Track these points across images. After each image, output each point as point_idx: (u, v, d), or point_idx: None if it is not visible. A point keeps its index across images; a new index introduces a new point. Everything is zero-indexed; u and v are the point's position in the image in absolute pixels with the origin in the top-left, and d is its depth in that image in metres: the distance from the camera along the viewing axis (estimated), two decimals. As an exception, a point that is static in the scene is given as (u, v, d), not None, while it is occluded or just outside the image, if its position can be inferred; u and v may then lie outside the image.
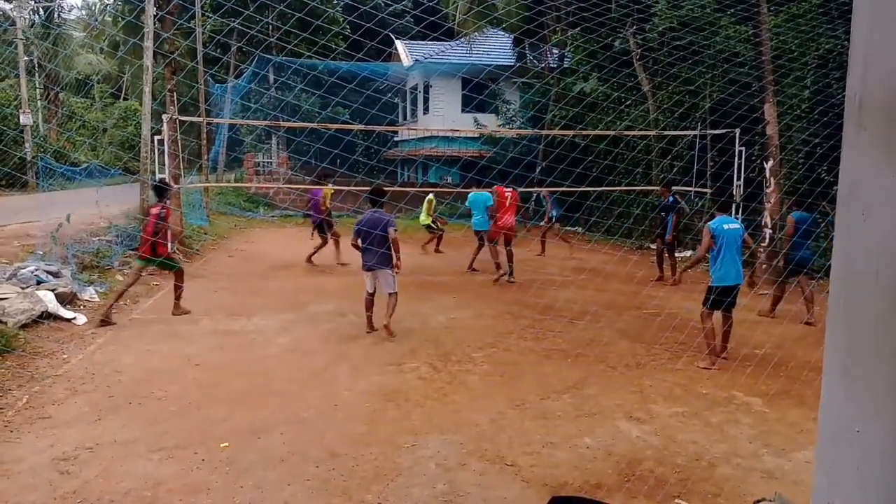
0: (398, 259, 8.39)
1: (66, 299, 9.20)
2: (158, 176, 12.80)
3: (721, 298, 7.44)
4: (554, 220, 15.88)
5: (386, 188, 9.20)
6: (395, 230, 8.29)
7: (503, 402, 6.24)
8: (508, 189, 12.38)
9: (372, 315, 8.59)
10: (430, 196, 16.36)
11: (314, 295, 10.82)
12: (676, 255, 13.15)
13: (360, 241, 8.35)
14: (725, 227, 7.49)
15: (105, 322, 8.66)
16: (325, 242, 13.58)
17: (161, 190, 9.49)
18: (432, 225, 16.18)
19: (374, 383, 6.70)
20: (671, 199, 12.62)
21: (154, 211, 9.19)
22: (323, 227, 13.59)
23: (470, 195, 12.93)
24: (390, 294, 8.44)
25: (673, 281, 12.16)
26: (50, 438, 5.20)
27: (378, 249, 8.18)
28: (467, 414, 5.95)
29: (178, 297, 9.37)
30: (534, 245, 15.62)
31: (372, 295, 8.57)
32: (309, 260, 13.64)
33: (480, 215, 12.55)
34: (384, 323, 8.36)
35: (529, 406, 6.18)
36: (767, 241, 13.19)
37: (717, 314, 7.62)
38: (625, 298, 11.06)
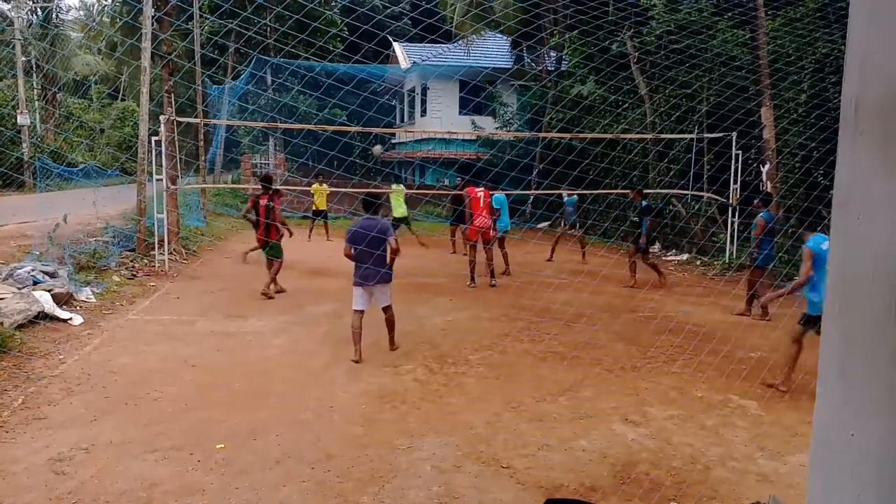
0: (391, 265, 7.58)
1: (63, 300, 9.18)
2: (157, 178, 12.79)
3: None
4: (573, 224, 15.54)
5: (380, 192, 8.99)
6: (396, 239, 7.47)
7: (499, 405, 6.24)
8: (480, 189, 12.22)
9: (361, 337, 7.47)
10: (400, 186, 16.35)
11: (311, 296, 10.81)
12: (652, 251, 13.28)
13: (353, 251, 7.37)
14: (824, 246, 6.55)
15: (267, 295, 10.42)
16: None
17: (266, 182, 10.78)
18: (407, 221, 16.17)
19: (371, 385, 6.69)
20: (644, 203, 12.44)
21: (262, 202, 10.52)
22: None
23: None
24: (386, 309, 7.67)
25: (662, 283, 12.22)
26: (46, 439, 5.18)
27: (376, 262, 7.29)
28: (463, 416, 5.95)
29: (272, 280, 10.77)
30: (531, 247, 15.61)
31: (362, 314, 7.51)
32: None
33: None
34: (391, 346, 7.78)
35: (525, 408, 6.18)
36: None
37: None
38: (621, 301, 11.07)
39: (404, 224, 16.36)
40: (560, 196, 16.01)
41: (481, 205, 11.87)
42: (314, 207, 18.08)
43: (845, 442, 1.15)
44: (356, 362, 7.37)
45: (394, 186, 16.66)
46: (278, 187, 11.15)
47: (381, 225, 7.38)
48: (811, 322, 6.63)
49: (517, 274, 12.60)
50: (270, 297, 10.54)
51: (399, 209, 16.34)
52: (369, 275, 7.33)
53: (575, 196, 15.21)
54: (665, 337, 8.44)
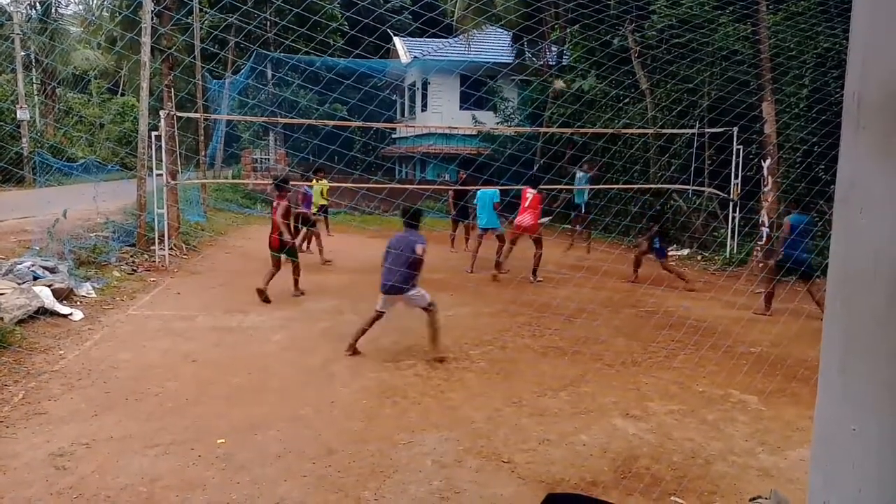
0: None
1: (63, 295, 9.18)
2: (157, 173, 12.77)
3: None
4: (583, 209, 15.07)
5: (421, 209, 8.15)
6: (424, 247, 7.40)
7: (500, 400, 6.24)
8: (531, 190, 12.37)
9: (364, 332, 7.58)
10: (325, 182, 15.83)
11: (312, 292, 10.81)
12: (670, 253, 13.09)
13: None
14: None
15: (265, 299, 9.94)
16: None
17: (280, 185, 10.47)
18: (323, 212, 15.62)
19: (371, 380, 6.70)
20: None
21: (276, 205, 10.28)
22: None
23: (478, 192, 12.96)
24: (425, 309, 7.49)
25: (689, 285, 11.88)
26: (46, 434, 5.19)
27: (400, 272, 7.30)
28: (464, 411, 5.95)
29: (296, 279, 10.68)
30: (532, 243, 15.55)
31: (381, 316, 7.61)
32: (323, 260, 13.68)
33: (488, 213, 12.60)
34: (436, 356, 7.41)
35: (526, 403, 6.18)
36: (765, 239, 13.22)
37: None
38: (621, 296, 11.07)
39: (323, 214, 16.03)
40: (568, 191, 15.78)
41: (526, 205, 11.99)
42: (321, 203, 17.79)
43: (846, 437, 1.14)
44: (347, 354, 7.44)
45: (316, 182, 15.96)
46: (286, 185, 10.61)
47: (409, 241, 7.43)
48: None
49: (518, 270, 12.58)
50: (301, 294, 10.65)
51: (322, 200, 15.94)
52: (385, 284, 7.43)
53: (589, 173, 14.89)
54: (666, 332, 8.44)
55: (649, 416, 5.97)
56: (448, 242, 16.26)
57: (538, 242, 12.11)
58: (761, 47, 12.96)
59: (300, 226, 13.41)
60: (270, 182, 11.62)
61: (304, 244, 13.99)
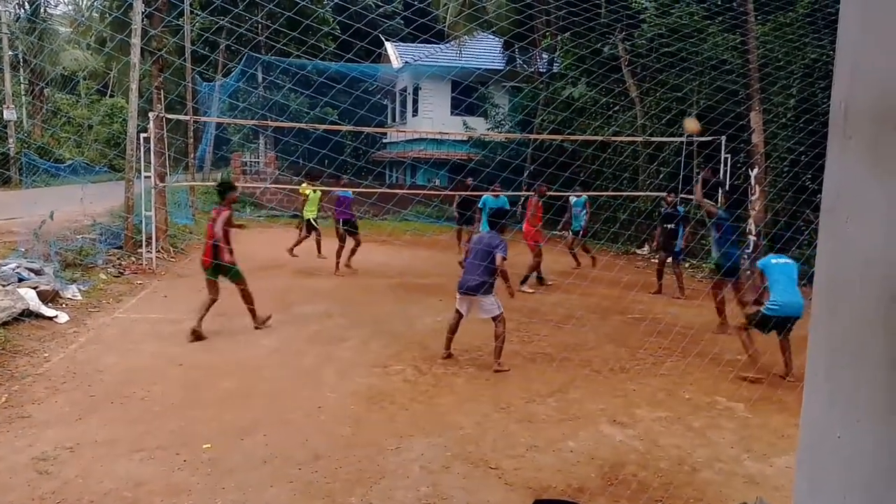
0: (509, 286, 7.70)
1: (48, 297, 9.12)
2: (144, 175, 12.70)
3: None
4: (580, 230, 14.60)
5: (505, 211, 8.33)
6: (504, 257, 7.37)
7: (488, 406, 6.24)
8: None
9: (453, 338, 7.65)
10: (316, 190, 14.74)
11: (301, 296, 10.78)
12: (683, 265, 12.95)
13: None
14: (773, 261, 7.75)
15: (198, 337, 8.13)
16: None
17: (224, 190, 8.96)
18: (314, 222, 14.66)
19: (360, 385, 6.68)
20: (681, 209, 12.05)
21: (215, 216, 8.61)
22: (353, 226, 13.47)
23: (484, 199, 12.84)
24: (494, 319, 7.45)
25: (682, 296, 11.82)
26: (29, 438, 5.14)
27: (479, 273, 7.31)
28: (452, 417, 5.94)
29: (251, 309, 8.70)
30: (521, 248, 15.53)
31: (461, 317, 7.59)
32: (347, 265, 13.38)
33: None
34: (495, 366, 7.36)
35: (514, 409, 6.18)
36: (751, 248, 13.28)
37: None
38: (610, 303, 11.09)
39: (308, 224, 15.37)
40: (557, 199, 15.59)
41: (530, 213, 12.04)
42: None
43: (832, 444, 1.15)
44: (444, 358, 7.58)
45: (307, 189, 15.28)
46: (232, 190, 9.08)
47: (490, 240, 7.49)
48: (762, 322, 7.48)
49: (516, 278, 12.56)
50: (263, 326, 8.84)
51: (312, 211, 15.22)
52: (462, 282, 7.51)
53: (584, 196, 14.62)
54: (654, 339, 8.46)
55: (636, 422, 5.98)
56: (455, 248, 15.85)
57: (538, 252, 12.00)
58: (750, 57, 13.06)
59: (343, 229, 13.18)
60: (260, 186, 10.95)
61: (337, 254, 13.35)
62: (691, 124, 12.96)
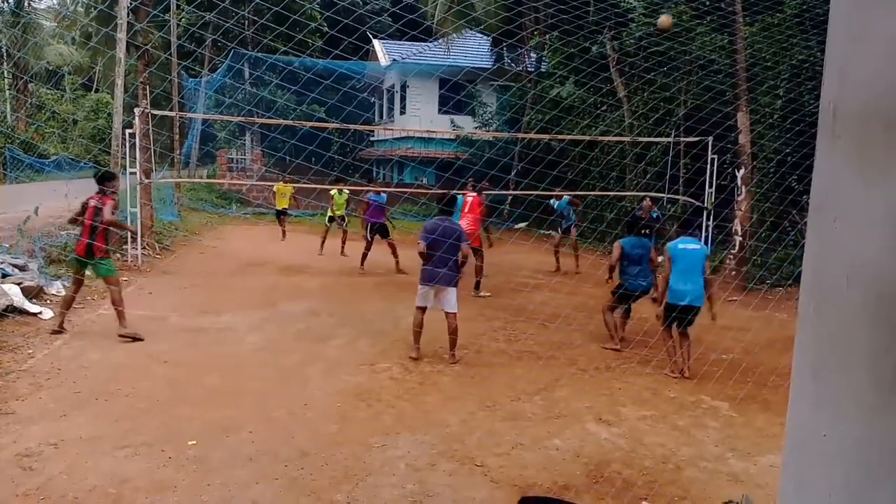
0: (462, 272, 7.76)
1: (33, 293, 9.03)
2: (130, 171, 12.61)
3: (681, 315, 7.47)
4: (569, 228, 14.42)
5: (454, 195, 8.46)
6: (468, 243, 7.67)
7: (474, 404, 6.25)
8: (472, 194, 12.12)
9: (420, 335, 7.59)
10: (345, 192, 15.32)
11: (288, 294, 10.74)
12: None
13: (427, 250, 7.44)
14: (680, 246, 7.52)
15: (57, 332, 7.76)
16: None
17: (103, 178, 8.20)
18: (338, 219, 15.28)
19: (346, 383, 6.67)
20: (654, 214, 12.00)
21: (91, 203, 7.86)
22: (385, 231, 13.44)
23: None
24: (450, 314, 7.55)
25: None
26: (13, 434, 5.09)
27: (450, 266, 7.39)
28: (438, 414, 5.95)
29: (120, 315, 7.76)
30: (509, 247, 15.59)
31: (423, 311, 7.58)
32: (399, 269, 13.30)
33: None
34: (450, 358, 7.52)
35: (500, 407, 6.20)
36: (737, 248, 13.38)
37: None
38: (596, 302, 11.10)
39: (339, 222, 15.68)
40: (545, 199, 15.44)
41: (466, 209, 11.80)
42: (279, 207, 17.58)
43: (817, 443, 1.16)
44: (414, 359, 7.44)
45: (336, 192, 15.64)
46: (111, 180, 8.28)
47: (459, 230, 7.62)
48: (670, 311, 7.42)
49: (494, 274, 12.59)
50: (133, 338, 7.72)
51: (340, 211, 15.60)
52: (432, 274, 7.43)
53: (566, 197, 14.41)
54: (639, 338, 8.50)
55: (622, 421, 6.01)
56: None
57: (478, 253, 11.46)
58: (737, 58, 13.13)
59: (372, 234, 13.15)
60: (247, 181, 10.96)
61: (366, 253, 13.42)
62: (666, 20, 12.86)
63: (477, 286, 11.57)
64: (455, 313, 7.56)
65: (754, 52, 14.23)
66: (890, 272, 1.04)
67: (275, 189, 17.60)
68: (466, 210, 11.60)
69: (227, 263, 13.46)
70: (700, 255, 7.48)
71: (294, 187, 17.16)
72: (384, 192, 14.13)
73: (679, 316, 7.42)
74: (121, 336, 7.67)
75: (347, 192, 15.14)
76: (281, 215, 17.53)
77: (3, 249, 10.65)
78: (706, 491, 4.71)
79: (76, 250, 7.92)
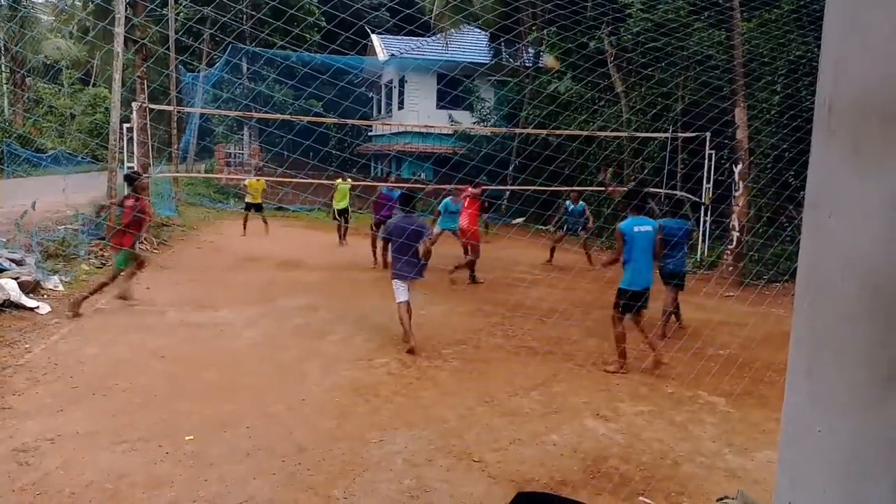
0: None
1: (30, 288, 9.02)
2: (127, 165, 12.59)
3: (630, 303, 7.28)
4: (578, 228, 14.18)
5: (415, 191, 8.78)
6: (430, 239, 7.94)
7: (472, 399, 6.25)
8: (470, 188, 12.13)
9: (410, 325, 7.74)
10: (348, 181, 15.68)
11: (285, 289, 10.73)
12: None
13: (390, 247, 7.82)
14: (636, 229, 7.24)
15: (77, 314, 8.49)
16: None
17: (131, 179, 9.29)
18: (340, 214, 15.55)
19: (344, 378, 6.67)
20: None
21: (129, 203, 8.95)
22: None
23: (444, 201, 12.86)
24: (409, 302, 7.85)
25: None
26: (9, 429, 5.09)
27: (416, 259, 7.68)
28: (436, 410, 5.95)
29: (93, 293, 8.83)
30: (506, 242, 15.60)
31: (407, 304, 7.79)
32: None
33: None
34: (405, 347, 7.71)
35: (498, 403, 6.20)
36: (735, 243, 13.38)
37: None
38: (593, 297, 11.12)
39: (343, 217, 15.90)
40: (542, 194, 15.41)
41: (465, 205, 11.87)
42: (249, 201, 17.56)
43: (813, 439, 1.16)
44: (410, 352, 7.51)
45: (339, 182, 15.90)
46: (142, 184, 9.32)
47: (420, 223, 7.93)
48: (621, 297, 7.27)
49: (492, 269, 12.59)
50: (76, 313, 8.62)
51: (342, 202, 15.88)
52: (409, 269, 7.71)
53: (582, 203, 14.22)
54: (637, 333, 8.50)
55: (619, 416, 6.02)
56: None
57: (475, 248, 11.82)
58: (735, 53, 13.12)
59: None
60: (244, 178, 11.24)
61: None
62: (550, 60, 13.13)
63: (472, 279, 11.84)
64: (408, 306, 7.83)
65: (752, 47, 14.22)
66: (885, 266, 1.04)
67: (245, 183, 17.61)
68: (465, 206, 11.69)
69: (225, 258, 13.45)
70: (652, 236, 7.32)
71: (267, 181, 17.27)
72: (398, 187, 14.04)
73: (630, 302, 7.25)
74: (71, 313, 8.49)
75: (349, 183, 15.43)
76: (250, 209, 17.35)
77: (1, 244, 10.64)
78: (703, 486, 4.72)
79: (124, 243, 8.89)
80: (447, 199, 12.60)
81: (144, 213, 8.96)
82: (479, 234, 12.23)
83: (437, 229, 11.77)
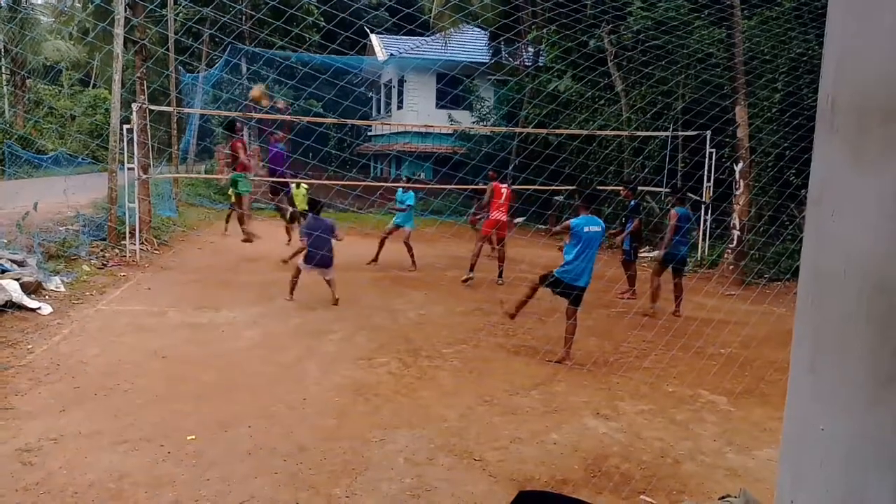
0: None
1: (31, 289, 9.02)
2: (128, 166, 12.58)
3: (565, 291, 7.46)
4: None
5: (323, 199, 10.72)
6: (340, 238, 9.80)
7: (472, 398, 6.25)
8: (504, 185, 12.16)
9: (295, 286, 9.86)
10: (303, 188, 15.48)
11: (285, 289, 10.71)
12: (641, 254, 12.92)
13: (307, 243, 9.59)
14: (586, 229, 7.38)
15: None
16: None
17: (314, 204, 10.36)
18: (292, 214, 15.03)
19: (344, 378, 6.67)
20: (633, 202, 11.56)
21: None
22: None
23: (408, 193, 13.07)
24: (329, 281, 9.75)
25: (631, 293, 11.31)
26: (12, 430, 5.09)
27: (323, 250, 9.55)
28: (436, 409, 5.95)
29: (241, 221, 11.59)
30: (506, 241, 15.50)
31: (299, 272, 9.81)
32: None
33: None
34: (334, 301, 9.70)
35: (498, 402, 6.20)
36: (735, 242, 13.38)
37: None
38: (593, 297, 11.10)
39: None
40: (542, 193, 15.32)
41: (501, 200, 11.87)
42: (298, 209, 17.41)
43: (815, 436, 1.16)
44: (289, 300, 9.63)
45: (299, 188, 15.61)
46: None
47: (326, 224, 9.68)
48: (556, 284, 7.52)
49: (492, 269, 12.58)
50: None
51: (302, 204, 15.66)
52: (315, 260, 9.59)
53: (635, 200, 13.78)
54: (637, 332, 8.51)
55: (620, 415, 6.02)
56: (434, 241, 15.95)
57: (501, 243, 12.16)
58: (735, 51, 13.11)
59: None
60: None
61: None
62: (256, 91, 13.72)
63: (500, 275, 12.07)
64: (333, 279, 9.76)
65: (752, 45, 14.22)
66: (887, 264, 1.04)
67: (292, 193, 17.05)
68: (502, 201, 11.71)
69: (225, 259, 13.44)
70: (600, 235, 7.55)
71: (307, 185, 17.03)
72: (413, 188, 13.98)
73: (564, 290, 7.42)
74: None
75: (306, 187, 15.30)
76: (294, 220, 16.80)
77: (2, 245, 10.64)
78: (704, 485, 4.72)
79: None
80: (409, 193, 13.01)
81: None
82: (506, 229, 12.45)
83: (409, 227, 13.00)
